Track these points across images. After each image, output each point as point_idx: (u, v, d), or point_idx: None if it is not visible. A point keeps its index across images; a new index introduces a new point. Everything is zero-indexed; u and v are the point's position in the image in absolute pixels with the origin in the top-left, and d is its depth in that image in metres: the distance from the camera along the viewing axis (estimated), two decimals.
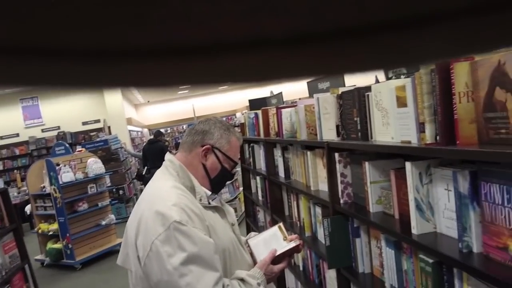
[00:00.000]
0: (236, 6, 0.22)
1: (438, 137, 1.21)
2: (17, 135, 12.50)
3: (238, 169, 5.82)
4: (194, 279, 1.24)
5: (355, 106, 1.75)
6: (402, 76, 1.65)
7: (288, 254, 1.59)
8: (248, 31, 0.24)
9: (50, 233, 5.94)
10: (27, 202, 7.26)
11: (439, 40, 0.26)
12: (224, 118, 18.44)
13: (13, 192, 8.62)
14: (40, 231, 6.06)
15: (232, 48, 0.25)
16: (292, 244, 1.59)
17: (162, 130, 10.12)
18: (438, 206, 1.32)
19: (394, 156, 1.64)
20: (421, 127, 1.28)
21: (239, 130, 4.92)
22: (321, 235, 2.32)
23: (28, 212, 6.73)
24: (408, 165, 1.37)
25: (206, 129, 1.51)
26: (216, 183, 1.53)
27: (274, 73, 0.28)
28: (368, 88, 1.68)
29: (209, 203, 1.46)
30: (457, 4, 0.23)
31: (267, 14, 0.22)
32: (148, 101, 19.46)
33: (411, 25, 0.24)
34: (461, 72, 1.13)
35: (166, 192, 1.38)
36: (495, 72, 1.03)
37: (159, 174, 1.51)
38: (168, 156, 1.54)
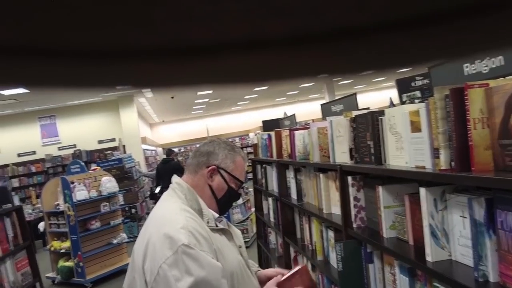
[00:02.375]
0: (237, 7, 0.22)
1: (453, 163, 1.20)
2: (34, 152, 12.70)
3: (251, 189, 5.79)
4: None
5: (368, 129, 1.74)
6: (416, 101, 1.65)
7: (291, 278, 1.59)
8: (249, 31, 0.24)
9: (62, 250, 5.95)
10: (41, 219, 7.32)
11: (438, 41, 0.26)
12: (237, 139, 18.59)
13: (27, 209, 8.71)
14: (52, 248, 6.08)
15: (233, 49, 0.25)
16: (297, 267, 1.59)
17: (176, 150, 10.18)
18: (453, 233, 1.30)
19: (408, 181, 1.62)
20: (435, 153, 1.27)
21: (252, 151, 4.92)
22: (333, 259, 2.28)
23: (42, 230, 6.78)
24: (422, 191, 1.35)
25: (211, 150, 1.52)
26: (223, 204, 1.54)
27: (275, 73, 0.29)
28: (381, 112, 1.68)
29: (217, 226, 1.46)
30: (456, 5, 0.24)
31: (268, 15, 0.23)
32: (163, 121, 19.68)
33: (411, 25, 0.24)
34: (476, 98, 1.12)
35: (175, 215, 1.38)
36: (511, 99, 1.02)
37: (166, 196, 1.51)
38: (175, 178, 1.54)
